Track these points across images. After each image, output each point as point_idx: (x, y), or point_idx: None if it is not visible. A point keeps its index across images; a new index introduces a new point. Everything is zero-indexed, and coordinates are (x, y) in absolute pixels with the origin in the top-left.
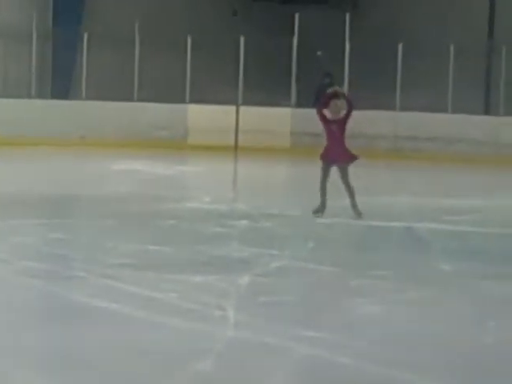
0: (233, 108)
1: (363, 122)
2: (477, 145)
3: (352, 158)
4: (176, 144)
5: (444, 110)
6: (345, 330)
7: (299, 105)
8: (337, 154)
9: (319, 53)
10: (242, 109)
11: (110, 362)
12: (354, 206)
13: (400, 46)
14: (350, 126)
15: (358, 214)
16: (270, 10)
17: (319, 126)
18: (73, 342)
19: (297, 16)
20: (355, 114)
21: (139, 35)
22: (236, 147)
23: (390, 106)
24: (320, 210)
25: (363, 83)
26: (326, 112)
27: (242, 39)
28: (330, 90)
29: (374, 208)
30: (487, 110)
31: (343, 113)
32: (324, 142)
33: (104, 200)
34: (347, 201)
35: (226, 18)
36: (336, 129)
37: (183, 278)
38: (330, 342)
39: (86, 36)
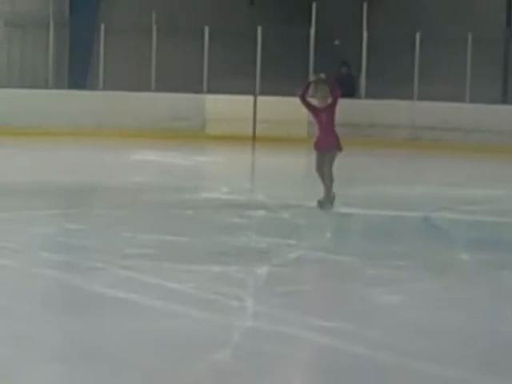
0: (250, 98)
1: (381, 111)
2: (495, 134)
3: (340, 147)
4: (194, 134)
5: (462, 100)
6: (362, 319)
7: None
8: (329, 141)
9: (337, 42)
10: (260, 99)
11: (128, 352)
12: (327, 195)
13: (418, 35)
14: (346, 113)
15: (329, 205)
16: None
17: (336, 116)
18: (91, 333)
19: (314, 5)
20: (373, 103)
21: (156, 25)
22: (254, 137)
23: (408, 96)
24: (330, 200)
25: (381, 72)
26: (314, 101)
27: (259, 29)
28: (312, 78)
29: (392, 198)
30: (505, 100)
31: (330, 100)
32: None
33: (122, 190)
34: (361, 189)
35: (244, 7)
36: (324, 117)
37: (201, 268)
38: (347, 331)
39: (103, 26)
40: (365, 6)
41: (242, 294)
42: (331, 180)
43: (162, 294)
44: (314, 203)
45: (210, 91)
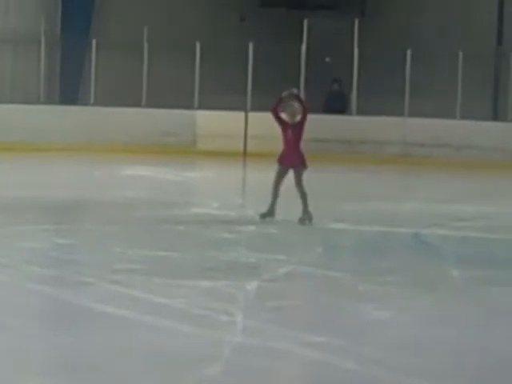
0: (241, 114)
1: (372, 128)
2: (485, 151)
3: (305, 165)
4: (184, 150)
5: (453, 116)
6: (352, 335)
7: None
8: (293, 159)
9: (328, 59)
10: (251, 115)
11: (117, 367)
12: (305, 211)
13: (408, 52)
14: (338, 129)
15: (308, 220)
16: (279, 15)
17: (327, 132)
18: (80, 347)
19: (305, 22)
20: (364, 119)
21: (148, 41)
22: (245, 153)
23: (399, 112)
24: (268, 214)
25: (372, 89)
26: (284, 115)
27: (250, 45)
28: (285, 93)
29: (382, 214)
30: (495, 116)
31: (299, 117)
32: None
33: (112, 205)
34: (351, 205)
35: (235, 23)
36: (291, 134)
37: (191, 283)
38: (337, 347)
39: (94, 41)
40: (356, 22)
41: (232, 309)
42: (306, 196)
43: (152, 308)
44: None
45: (201, 107)
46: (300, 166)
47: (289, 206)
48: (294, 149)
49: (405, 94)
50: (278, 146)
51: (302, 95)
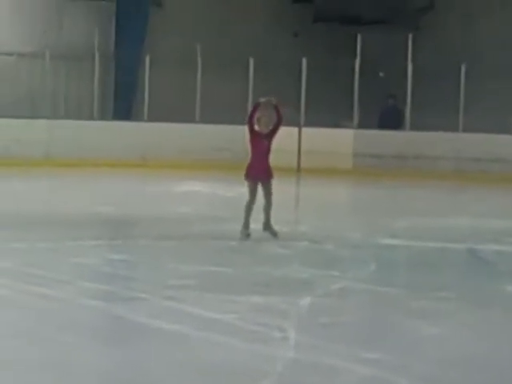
0: (295, 129)
1: (426, 143)
2: None
3: (272, 175)
4: (237, 165)
5: (507, 131)
6: (406, 351)
7: (361, 126)
8: (261, 170)
9: (381, 74)
10: (304, 130)
11: (170, 382)
12: (267, 222)
13: (463, 67)
14: (393, 145)
15: (274, 234)
16: (332, 30)
17: (382, 148)
18: (134, 363)
19: (359, 37)
20: (418, 135)
21: (201, 56)
22: (298, 168)
23: (453, 127)
24: (244, 231)
25: (426, 104)
26: (257, 127)
27: (304, 60)
28: (261, 99)
29: (437, 229)
30: None
31: (271, 127)
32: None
33: (165, 221)
34: (405, 221)
35: (288, 39)
36: (266, 144)
37: (244, 298)
38: (390, 363)
39: (148, 58)
40: (410, 37)
41: (285, 324)
42: (269, 209)
43: (205, 324)
44: (358, 234)
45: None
46: (268, 177)
47: (343, 221)
48: (264, 160)
49: (459, 108)
50: (331, 161)
51: (356, 111)
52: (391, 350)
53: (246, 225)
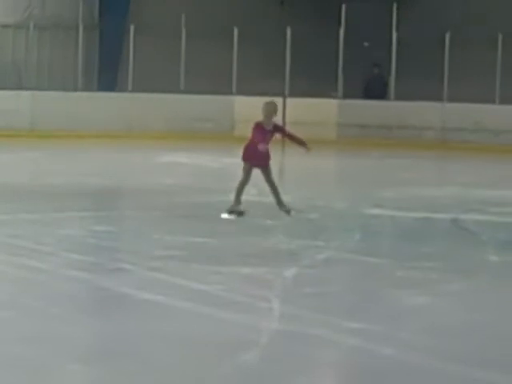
0: (279, 99)
1: (410, 112)
2: None
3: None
4: (222, 136)
5: (491, 101)
6: (391, 321)
7: (346, 96)
8: (259, 156)
9: (366, 43)
10: (289, 100)
11: (155, 353)
12: (279, 202)
13: (447, 36)
14: (377, 115)
15: (287, 211)
16: (317, 0)
17: (366, 118)
18: (118, 333)
19: (344, 6)
20: (403, 105)
21: (186, 26)
22: (283, 139)
23: (438, 97)
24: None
25: (410, 74)
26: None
27: (288, 30)
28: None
29: (421, 199)
30: None
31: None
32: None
33: (150, 192)
34: (390, 191)
35: (273, 8)
36: (269, 136)
37: (230, 270)
38: (374, 333)
39: (132, 28)
40: (394, 7)
41: (270, 295)
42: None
43: (190, 295)
44: (343, 205)
45: (239, 92)
46: (268, 161)
47: (328, 192)
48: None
49: (443, 78)
50: (315, 131)
51: (341, 80)
52: (377, 320)
53: (237, 202)
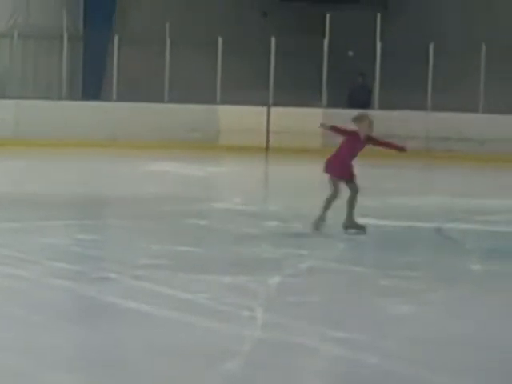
0: (264, 109)
1: (395, 122)
2: (508, 144)
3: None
4: (207, 145)
5: (475, 110)
6: (374, 330)
7: (330, 105)
8: (345, 170)
9: (350, 53)
10: (273, 109)
11: (139, 362)
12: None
13: (431, 46)
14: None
15: (359, 228)
16: (300, 10)
17: (351, 127)
18: (103, 343)
19: (328, 16)
20: (387, 114)
21: (170, 36)
22: (267, 148)
23: (422, 106)
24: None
25: (395, 83)
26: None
27: (272, 40)
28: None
29: (405, 208)
30: None
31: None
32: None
33: (135, 201)
34: (374, 200)
35: (257, 18)
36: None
37: (213, 278)
38: (359, 342)
39: (116, 37)
40: (378, 16)
41: (254, 304)
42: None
43: (174, 304)
44: (327, 214)
45: (224, 102)
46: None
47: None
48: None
49: (428, 88)
50: (300, 141)
51: (325, 90)
52: (360, 329)
53: (322, 218)
